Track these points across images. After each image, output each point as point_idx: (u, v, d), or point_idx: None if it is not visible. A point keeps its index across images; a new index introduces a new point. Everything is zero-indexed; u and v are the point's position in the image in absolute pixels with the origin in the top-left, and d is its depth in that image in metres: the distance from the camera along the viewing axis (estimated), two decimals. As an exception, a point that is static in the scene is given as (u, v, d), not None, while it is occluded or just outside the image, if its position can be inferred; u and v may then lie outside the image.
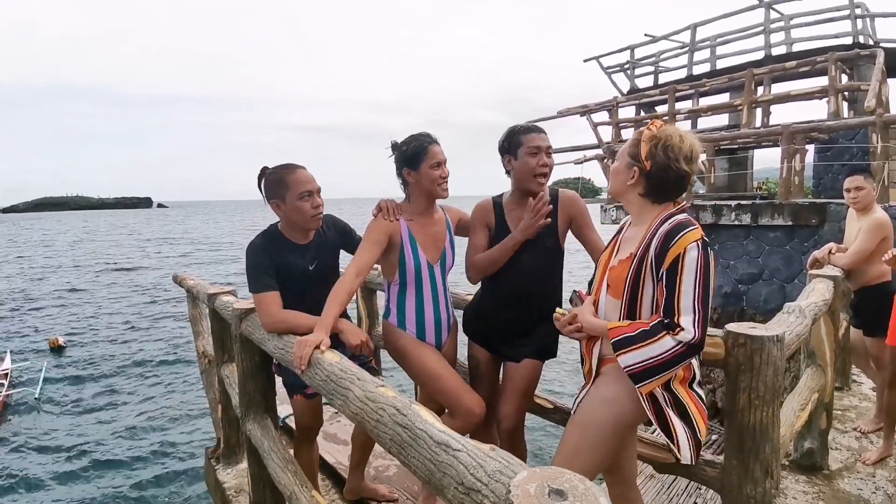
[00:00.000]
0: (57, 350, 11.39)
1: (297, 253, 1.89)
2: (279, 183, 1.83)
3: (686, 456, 1.33)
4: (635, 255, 1.36)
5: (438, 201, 1.98)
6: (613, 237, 1.55)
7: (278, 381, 2.10)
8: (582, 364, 1.53)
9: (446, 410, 1.88)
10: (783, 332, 1.47)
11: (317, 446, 2.23)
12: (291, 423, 2.49)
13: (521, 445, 1.94)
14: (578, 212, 1.90)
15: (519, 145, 1.82)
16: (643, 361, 1.25)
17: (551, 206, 1.82)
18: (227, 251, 31.34)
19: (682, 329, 1.24)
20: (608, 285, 1.43)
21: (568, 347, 1.75)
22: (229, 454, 2.75)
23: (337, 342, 1.74)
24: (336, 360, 1.38)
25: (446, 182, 1.86)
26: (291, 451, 2.03)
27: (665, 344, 1.24)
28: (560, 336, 1.78)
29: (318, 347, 1.48)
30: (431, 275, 1.91)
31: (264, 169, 1.90)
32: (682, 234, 1.27)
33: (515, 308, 1.88)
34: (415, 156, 1.82)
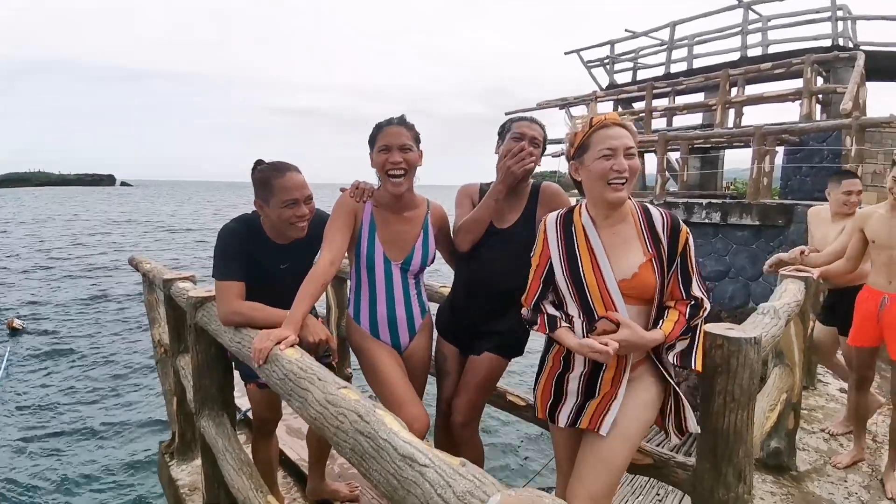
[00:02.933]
0: (13, 332, 10.90)
1: (271, 251, 1.76)
2: (265, 185, 1.68)
3: (694, 425, 1.43)
4: (655, 257, 1.35)
5: (433, 201, 1.86)
6: (564, 247, 1.42)
7: (237, 372, 1.98)
8: (601, 373, 1.41)
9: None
10: (760, 335, 1.44)
11: (276, 441, 2.11)
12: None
13: (474, 442, 1.87)
14: (562, 206, 1.79)
15: (508, 131, 1.78)
16: (689, 347, 1.36)
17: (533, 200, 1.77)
18: (189, 235, 30.27)
19: (705, 303, 1.37)
20: (625, 295, 1.36)
21: (538, 345, 1.68)
22: (184, 450, 2.61)
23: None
24: (296, 356, 1.27)
25: (396, 169, 1.65)
26: (249, 450, 1.91)
27: (700, 324, 1.37)
28: (530, 334, 1.72)
29: (280, 343, 1.37)
30: (388, 271, 1.74)
31: (257, 162, 1.76)
32: (679, 221, 1.38)
33: (483, 300, 1.81)
34: (371, 138, 1.70)
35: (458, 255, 1.89)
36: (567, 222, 1.45)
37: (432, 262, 1.84)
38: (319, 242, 1.80)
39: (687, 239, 1.37)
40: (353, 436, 0.91)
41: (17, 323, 11.33)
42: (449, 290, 2.05)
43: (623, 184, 1.31)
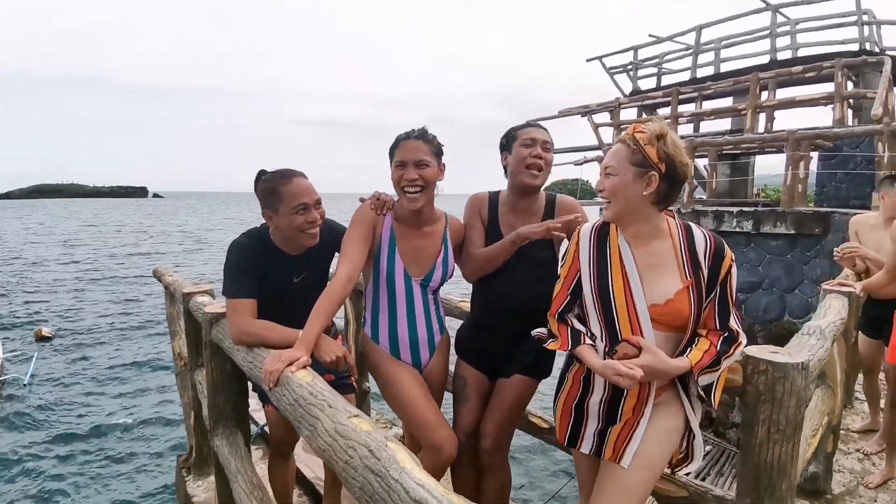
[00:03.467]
0: (42, 341, 11.25)
1: (283, 264, 1.69)
2: (272, 193, 1.62)
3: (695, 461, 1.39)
4: (693, 285, 1.27)
5: (450, 215, 1.81)
6: (596, 263, 1.34)
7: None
8: (622, 400, 1.33)
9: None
10: (808, 359, 1.32)
11: (293, 462, 2.06)
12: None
13: (504, 471, 1.79)
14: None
15: (514, 139, 1.72)
16: (717, 379, 1.29)
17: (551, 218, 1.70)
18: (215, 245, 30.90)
19: (741, 337, 1.29)
20: (655, 320, 1.28)
21: (560, 364, 1.60)
22: (201, 465, 2.59)
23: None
24: (308, 379, 1.21)
25: (412, 186, 1.59)
26: (265, 466, 1.86)
27: (735, 356, 1.28)
28: (556, 353, 1.64)
29: (291, 365, 1.31)
30: (408, 288, 1.69)
31: (261, 173, 1.70)
32: (724, 246, 1.29)
33: (506, 321, 1.74)
34: (390, 153, 1.66)
35: (480, 280, 1.83)
36: (602, 236, 1.37)
37: (451, 276, 1.77)
38: (332, 252, 1.78)
39: (730, 267, 1.28)
40: (362, 473, 0.84)
41: (45, 331, 11.72)
42: (468, 303, 1.98)
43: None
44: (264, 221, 1.72)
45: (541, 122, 1.87)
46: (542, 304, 1.56)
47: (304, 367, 1.32)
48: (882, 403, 3.19)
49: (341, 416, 1.00)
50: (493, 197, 1.82)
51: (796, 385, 1.27)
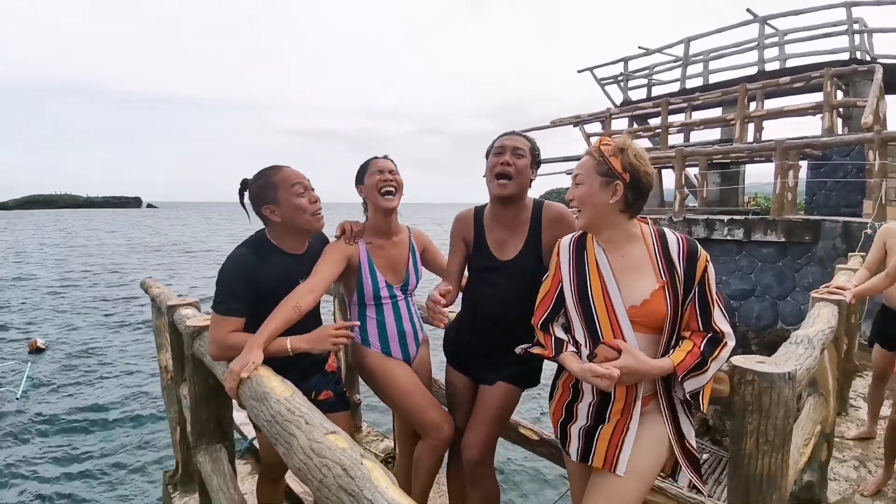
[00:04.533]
0: (36, 352, 11.16)
1: (289, 263, 1.63)
2: (267, 185, 1.59)
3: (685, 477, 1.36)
4: (668, 285, 1.29)
5: (411, 226, 1.96)
6: (575, 271, 1.39)
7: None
8: (610, 405, 1.35)
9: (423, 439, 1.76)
10: (795, 369, 1.31)
11: (283, 485, 2.03)
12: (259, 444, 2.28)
13: (489, 483, 1.75)
14: (567, 230, 1.65)
15: (490, 150, 1.73)
16: (705, 383, 1.28)
17: (535, 223, 1.70)
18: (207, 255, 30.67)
19: (727, 338, 1.29)
20: (634, 322, 1.30)
21: (551, 373, 1.58)
22: (187, 481, 2.53)
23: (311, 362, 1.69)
24: (286, 394, 1.18)
25: (389, 185, 1.78)
26: (254, 480, 1.82)
27: (721, 359, 1.28)
28: (543, 363, 1.64)
29: (249, 367, 1.34)
30: (391, 294, 1.84)
31: (244, 181, 1.64)
32: (698, 247, 1.32)
33: (493, 331, 1.72)
34: (361, 171, 1.82)
35: (466, 287, 1.86)
36: (580, 246, 1.41)
37: (421, 278, 1.94)
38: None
39: (706, 267, 1.30)
40: (336, 493, 0.81)
41: (40, 343, 11.64)
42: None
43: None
44: (261, 227, 1.68)
45: (533, 133, 1.87)
46: (524, 316, 1.56)
47: (256, 366, 1.35)
48: (883, 410, 3.19)
49: (317, 434, 0.97)
50: (479, 212, 1.81)
51: (783, 395, 1.26)
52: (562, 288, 1.40)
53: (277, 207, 1.58)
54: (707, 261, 1.32)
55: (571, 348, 1.37)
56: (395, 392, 1.76)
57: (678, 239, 1.33)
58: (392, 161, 1.87)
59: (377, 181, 1.77)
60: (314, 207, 1.62)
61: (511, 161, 1.65)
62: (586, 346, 1.36)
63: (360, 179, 1.83)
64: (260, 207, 1.60)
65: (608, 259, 1.35)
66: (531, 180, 1.71)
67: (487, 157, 1.74)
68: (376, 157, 1.85)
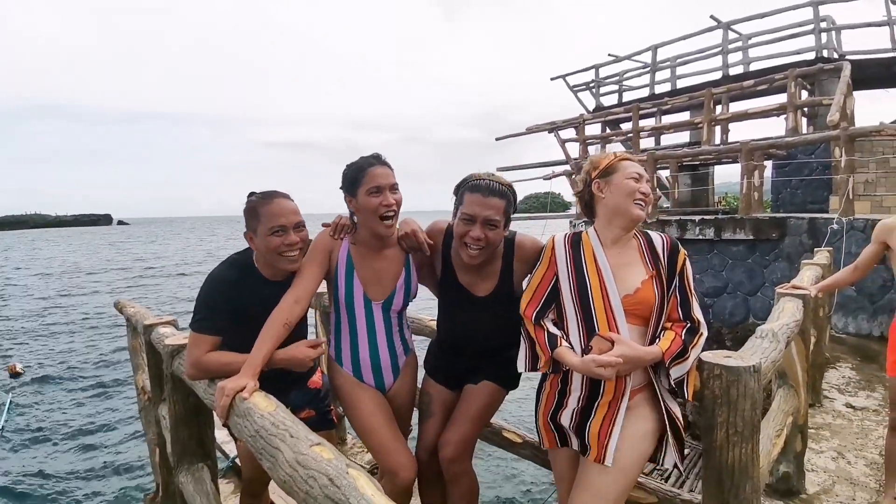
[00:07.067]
0: (15, 376, 10.88)
1: (267, 290, 1.58)
2: (252, 214, 1.56)
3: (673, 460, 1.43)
4: (655, 276, 1.42)
5: (427, 222, 1.80)
6: (573, 264, 1.47)
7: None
8: (598, 397, 1.42)
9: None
10: (760, 362, 1.37)
11: (266, 499, 2.00)
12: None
13: (467, 478, 1.72)
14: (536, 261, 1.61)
15: (462, 197, 1.59)
16: (688, 370, 1.36)
17: (505, 260, 1.68)
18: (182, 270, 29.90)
19: (702, 328, 1.41)
20: (628, 312, 1.40)
21: (533, 376, 1.61)
22: (168, 502, 2.48)
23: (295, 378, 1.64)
24: (270, 409, 1.19)
25: (390, 211, 1.59)
26: (237, 500, 1.80)
27: (699, 347, 1.38)
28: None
29: (242, 391, 1.29)
30: (369, 312, 1.68)
31: (251, 195, 1.61)
32: (678, 244, 1.46)
33: (469, 356, 1.76)
34: (353, 180, 1.61)
35: (440, 311, 1.81)
36: (575, 242, 1.50)
37: (415, 297, 1.77)
38: None
39: (685, 261, 1.45)
40: (322, 502, 0.83)
41: (18, 367, 11.41)
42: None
43: (644, 205, 1.45)
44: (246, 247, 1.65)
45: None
46: (502, 342, 1.63)
47: (252, 392, 1.29)
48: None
49: (302, 446, 0.99)
50: (449, 231, 1.71)
51: (749, 387, 1.32)
52: (556, 282, 1.47)
53: (255, 238, 1.57)
54: (686, 256, 1.46)
55: (565, 343, 1.43)
56: (358, 426, 1.67)
57: (661, 237, 1.48)
58: (389, 166, 1.63)
59: (377, 206, 1.57)
60: (287, 250, 1.55)
61: (482, 234, 1.53)
62: (580, 343, 1.42)
63: (351, 190, 1.62)
64: (246, 228, 1.60)
65: (607, 256, 1.45)
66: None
67: (456, 195, 1.61)
68: (371, 163, 1.60)
